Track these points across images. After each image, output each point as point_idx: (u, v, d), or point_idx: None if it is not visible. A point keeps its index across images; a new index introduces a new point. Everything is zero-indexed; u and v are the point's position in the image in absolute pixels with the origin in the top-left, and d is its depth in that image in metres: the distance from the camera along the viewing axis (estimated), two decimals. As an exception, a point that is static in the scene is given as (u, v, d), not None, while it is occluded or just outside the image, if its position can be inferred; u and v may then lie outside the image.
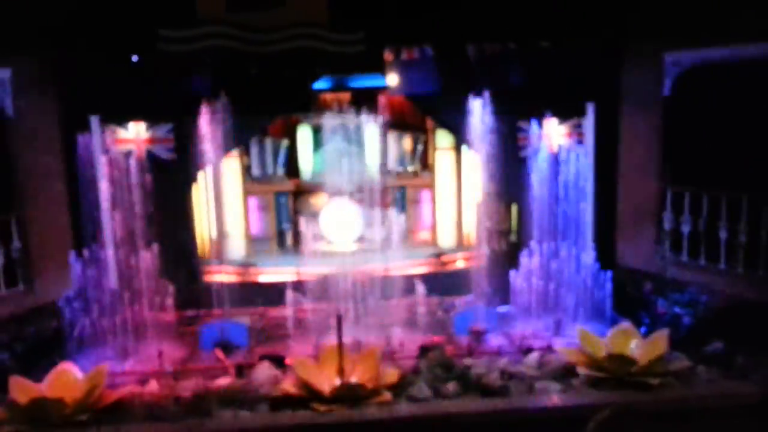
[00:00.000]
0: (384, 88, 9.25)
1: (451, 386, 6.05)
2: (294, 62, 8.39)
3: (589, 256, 8.08)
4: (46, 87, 8.29)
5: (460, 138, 9.09)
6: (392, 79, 9.07)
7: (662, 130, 8.75)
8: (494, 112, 7.94)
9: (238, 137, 8.39)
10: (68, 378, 6.06)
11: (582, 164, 8.24)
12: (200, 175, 9.27)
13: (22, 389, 5.77)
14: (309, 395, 5.86)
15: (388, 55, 8.87)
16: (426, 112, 9.84)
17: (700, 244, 8.28)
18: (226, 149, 8.31)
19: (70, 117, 8.23)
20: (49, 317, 7.73)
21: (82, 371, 6.19)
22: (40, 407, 5.57)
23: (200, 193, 9.49)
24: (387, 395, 5.88)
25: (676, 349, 6.48)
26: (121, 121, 8.28)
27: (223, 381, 6.33)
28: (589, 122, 8.60)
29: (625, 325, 6.79)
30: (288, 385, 6.01)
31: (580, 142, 8.58)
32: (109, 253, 7.77)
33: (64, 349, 7.22)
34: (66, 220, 8.43)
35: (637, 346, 6.34)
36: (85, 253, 7.57)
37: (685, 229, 8.43)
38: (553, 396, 5.94)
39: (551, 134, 8.69)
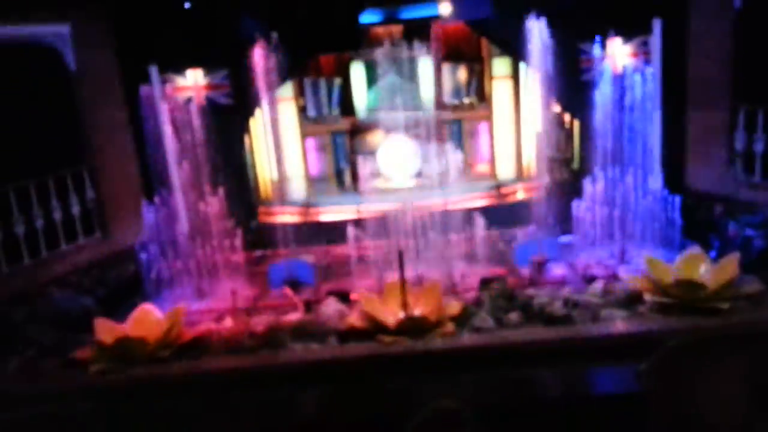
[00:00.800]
0: (436, 18, 8.99)
1: (513, 316, 6.09)
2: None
3: (656, 180, 7.80)
4: (106, 40, 8.47)
5: (518, 59, 8.79)
6: (444, 8, 8.79)
7: (733, 46, 8.20)
8: (553, 33, 7.61)
9: (283, 74, 8.35)
10: (149, 318, 6.42)
11: (649, 85, 7.86)
12: (258, 119, 9.43)
13: (106, 330, 6.16)
14: (374, 328, 6.03)
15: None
16: (483, 35, 9.52)
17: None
18: (275, 86, 8.30)
19: (131, 68, 8.40)
20: (126, 262, 8.17)
21: (161, 311, 6.55)
22: (124, 346, 5.95)
23: (259, 137, 9.66)
24: (450, 326, 5.98)
25: (747, 272, 6.27)
26: (179, 69, 8.40)
27: (293, 316, 6.59)
28: (655, 40, 8.12)
29: (695, 249, 6.60)
30: (354, 319, 6.20)
31: (646, 61, 8.14)
32: (178, 198, 8.03)
33: (143, 291, 7.63)
34: (135, 169, 8.76)
35: (707, 270, 6.18)
36: (156, 199, 7.87)
37: (758, 148, 8.00)
38: (619, 323, 5.89)
39: (615, 54, 8.28)
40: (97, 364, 5.93)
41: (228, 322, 6.50)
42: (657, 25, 8.10)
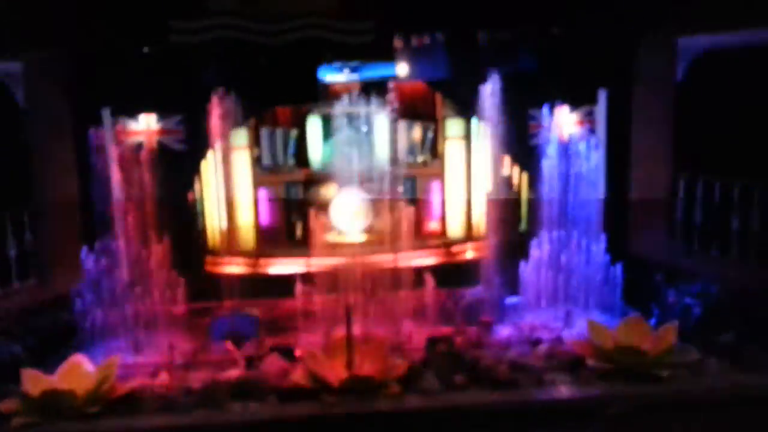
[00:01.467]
0: (394, 77, 9.19)
1: (459, 378, 6.05)
2: (303, 52, 8.35)
3: (599, 246, 8.02)
4: (58, 80, 8.34)
5: (471, 118, 9.05)
6: (402, 68, 9.01)
7: (675, 117, 8.63)
8: (505, 99, 7.88)
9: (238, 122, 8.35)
10: (80, 370, 6.11)
11: (593, 153, 8.15)
12: (210, 166, 9.34)
13: (34, 381, 5.83)
14: (318, 387, 5.89)
15: (397, 42, 8.80)
16: (440, 92, 9.78)
17: (712, 234, 8.19)
18: (229, 134, 8.28)
19: (82, 110, 8.28)
20: (61, 310, 7.80)
21: (94, 363, 6.25)
22: (51, 399, 5.64)
23: (210, 185, 9.54)
24: (395, 387, 5.89)
25: (686, 340, 6.43)
26: (132, 113, 8.31)
27: (234, 372, 6.38)
28: (601, 110, 8.50)
29: (635, 316, 6.75)
30: (297, 377, 6.04)
31: (591, 130, 8.48)
32: (120, 245, 7.80)
33: (76, 341, 7.31)
34: (78, 213, 8.50)
35: (647, 337, 6.30)
36: (97, 245, 7.62)
37: (697, 218, 8.33)
38: (562, 388, 5.92)
39: (562, 122, 8.59)
40: (20, 417, 5.59)
41: (163, 378, 6.24)
42: (602, 95, 8.50)
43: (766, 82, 7.54)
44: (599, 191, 8.22)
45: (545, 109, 8.39)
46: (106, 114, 8.01)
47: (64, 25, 7.93)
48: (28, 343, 7.19)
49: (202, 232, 9.76)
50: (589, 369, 6.10)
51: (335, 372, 6.02)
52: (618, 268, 7.84)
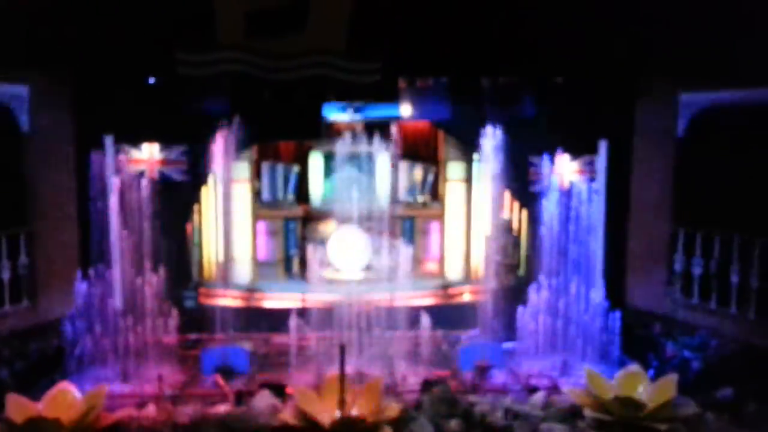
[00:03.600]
0: (397, 118, 9.29)
1: (453, 424, 5.92)
2: (308, 89, 8.44)
3: (598, 294, 7.97)
4: (63, 105, 8.38)
5: (473, 156, 9.10)
6: (405, 108, 9.11)
7: (675, 171, 8.69)
8: (506, 145, 7.95)
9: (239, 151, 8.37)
10: (66, 398, 5.96)
11: (593, 202, 8.18)
12: (210, 197, 9.34)
13: (19, 407, 5.67)
14: (308, 427, 5.74)
15: (401, 82, 8.92)
16: (442, 130, 9.85)
17: (711, 287, 8.16)
18: (231, 166, 8.30)
19: (85, 136, 8.29)
20: (51, 335, 7.71)
21: (81, 391, 6.11)
22: (36, 427, 5.48)
23: (209, 216, 9.53)
24: (388, 431, 5.75)
25: (684, 393, 6.32)
26: (135, 141, 8.33)
27: (222, 408, 6.24)
28: (601, 160, 8.55)
29: (634, 367, 6.63)
30: (287, 415, 5.89)
31: (591, 179, 8.52)
32: (115, 272, 7.73)
33: (64, 368, 7.17)
34: (74, 238, 8.44)
35: (646, 389, 6.19)
36: (91, 272, 7.55)
37: (696, 270, 8.32)
38: (558, 438, 5.79)
39: (563, 170, 8.65)
40: (1, 445, 5.43)
41: (151, 410, 6.10)
42: (603, 145, 8.56)
43: (766, 138, 7.61)
44: (598, 240, 8.22)
45: (546, 157, 8.46)
46: (108, 141, 8.01)
47: (70, 51, 8.01)
48: (16, 367, 7.07)
49: (198, 263, 9.71)
50: (587, 419, 5.98)
51: (327, 412, 5.88)
52: (616, 318, 7.78)
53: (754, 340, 7.29)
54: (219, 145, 8.06)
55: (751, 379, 6.42)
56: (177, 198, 8.55)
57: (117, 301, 7.65)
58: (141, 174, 8.12)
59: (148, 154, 8.40)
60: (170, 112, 8.33)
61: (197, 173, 8.55)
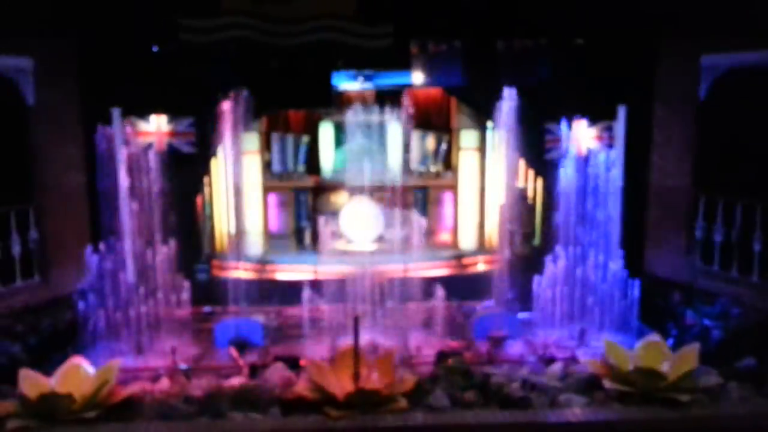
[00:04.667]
0: (409, 86, 9.07)
1: (469, 395, 5.83)
2: (317, 55, 8.23)
3: (616, 263, 7.81)
4: (68, 78, 8.25)
5: (486, 123, 8.87)
6: (417, 76, 8.88)
7: (697, 136, 8.44)
8: (521, 112, 7.73)
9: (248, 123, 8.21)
10: (79, 373, 5.92)
11: (611, 169, 7.97)
12: (220, 170, 9.23)
13: (31, 383, 5.64)
14: (322, 399, 5.68)
15: (413, 48, 8.68)
16: (455, 98, 9.61)
17: (733, 255, 7.97)
18: (240, 137, 8.15)
19: (92, 108, 8.17)
20: (63, 310, 7.68)
21: (94, 366, 6.09)
22: (48, 402, 5.45)
23: (219, 188, 9.43)
24: (403, 402, 5.67)
25: (705, 363, 6.19)
26: (143, 113, 8.21)
27: (236, 381, 6.19)
28: (620, 126, 8.31)
29: (654, 337, 6.50)
30: (301, 388, 5.83)
31: (610, 145, 8.30)
32: (126, 246, 7.67)
33: (77, 342, 7.17)
34: (84, 212, 8.38)
35: (666, 360, 6.06)
36: (102, 245, 7.49)
37: (717, 238, 8.12)
38: (577, 410, 5.69)
39: (580, 137, 8.42)
40: (15, 420, 5.39)
41: (164, 383, 6.06)
42: (622, 111, 8.31)
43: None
44: (617, 208, 8.03)
45: (562, 123, 8.22)
46: (116, 113, 7.88)
47: (75, 22, 7.84)
48: (29, 342, 7.06)
49: (210, 235, 9.65)
50: (606, 391, 5.86)
51: (341, 384, 5.81)
52: (635, 286, 7.63)
53: (776, 308, 7.13)
54: (228, 116, 7.91)
55: (775, 348, 6.27)
56: (187, 170, 8.44)
57: (129, 275, 7.61)
58: (149, 146, 8.00)
59: (156, 126, 8.27)
60: (178, 83, 8.18)
61: (206, 145, 8.42)
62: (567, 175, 7.96)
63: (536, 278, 7.94)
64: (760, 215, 7.65)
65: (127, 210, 7.72)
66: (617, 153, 8.15)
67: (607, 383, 5.89)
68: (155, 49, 8.25)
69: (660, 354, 6.11)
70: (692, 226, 8.41)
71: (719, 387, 5.88)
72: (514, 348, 7.31)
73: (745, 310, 7.28)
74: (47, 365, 6.23)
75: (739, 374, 6.12)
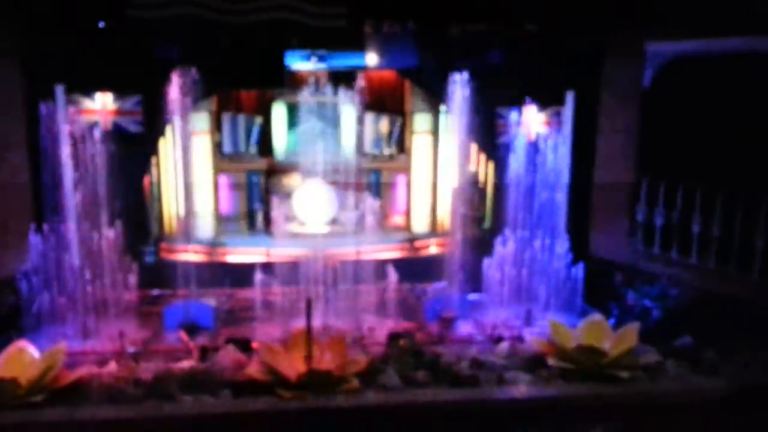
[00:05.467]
0: (363, 67, 9.04)
1: (420, 374, 5.95)
2: (269, 34, 8.11)
3: (562, 245, 8.04)
4: (10, 53, 7.92)
5: (439, 106, 8.97)
6: (371, 57, 8.86)
7: (641, 122, 8.71)
8: (473, 95, 7.82)
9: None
10: (24, 356, 5.81)
11: (559, 153, 8.16)
12: (168, 150, 9.03)
13: (-27, 368, 5.51)
14: (274, 381, 5.71)
15: (367, 29, 8.65)
16: (408, 80, 9.64)
17: (673, 238, 8.30)
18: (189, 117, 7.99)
19: (34, 85, 7.88)
20: (5, 293, 7.44)
21: (39, 350, 5.94)
22: (-8, 387, 5.33)
23: (168, 169, 9.23)
24: (355, 383, 5.76)
25: (645, 342, 6.46)
26: (88, 90, 7.95)
27: (186, 364, 6.14)
28: (567, 111, 8.51)
29: (596, 316, 6.76)
30: (253, 370, 5.85)
31: (559, 131, 8.49)
32: (71, 227, 7.46)
33: (20, 326, 6.97)
34: (27, 192, 8.10)
35: (607, 338, 6.31)
36: (46, 227, 7.27)
37: (658, 221, 8.43)
38: (523, 387, 5.88)
39: (530, 121, 8.59)
40: (-44, 406, 5.26)
41: (112, 367, 5.97)
42: (570, 97, 8.51)
43: (731, 89, 7.64)
44: (563, 192, 8.24)
45: (513, 109, 8.36)
46: (59, 91, 7.61)
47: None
48: (-30, 327, 6.83)
49: (158, 217, 9.46)
50: (550, 368, 6.08)
51: (293, 366, 5.85)
52: (579, 268, 7.88)
53: (713, 289, 7.46)
54: (176, 95, 7.73)
55: (710, 327, 6.58)
56: (133, 150, 8.24)
57: (74, 257, 7.42)
58: (94, 125, 7.76)
59: (102, 104, 8.03)
60: (124, 59, 7.94)
61: (154, 124, 8.22)
62: (516, 159, 8.11)
63: (486, 260, 8.10)
64: (699, 199, 7.96)
65: (71, 190, 7.49)
66: (564, 137, 8.34)
67: (551, 361, 6.12)
68: (101, 24, 7.96)
69: (602, 333, 6.37)
70: (635, 209, 8.70)
71: (658, 364, 6.18)
72: (464, 328, 7.45)
73: (684, 291, 7.61)
74: (-11, 350, 6.02)
75: (677, 352, 6.44)
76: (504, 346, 6.62)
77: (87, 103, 7.94)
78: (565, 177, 8.21)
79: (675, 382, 5.99)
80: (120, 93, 8.04)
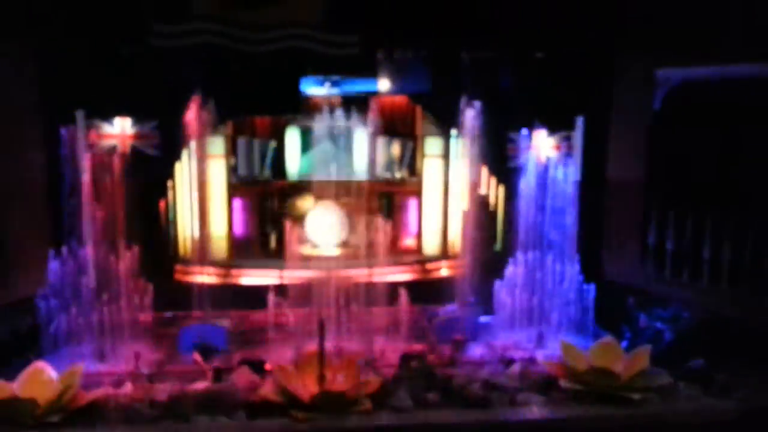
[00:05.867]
0: (375, 93, 9.20)
1: (432, 396, 5.98)
2: (285, 62, 8.31)
3: (573, 268, 8.07)
4: (31, 78, 8.14)
5: (449, 130, 9.10)
6: (383, 84, 9.03)
7: (650, 146, 8.78)
8: (484, 120, 7.93)
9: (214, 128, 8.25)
10: (42, 377, 5.90)
11: (569, 177, 8.23)
12: (184, 174, 9.20)
13: (-7, 388, 5.61)
14: (288, 402, 5.76)
15: (379, 55, 8.83)
16: (419, 105, 9.79)
17: (684, 261, 8.31)
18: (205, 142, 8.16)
19: (55, 110, 8.07)
20: (25, 314, 7.56)
21: (57, 371, 6.04)
22: (11, 407, 5.42)
23: (183, 192, 9.39)
24: (367, 404, 5.80)
25: (657, 364, 6.46)
26: (107, 116, 8.13)
27: (201, 385, 6.21)
28: (578, 135, 8.59)
29: (608, 339, 6.77)
30: (267, 391, 5.91)
31: (568, 154, 8.56)
32: (88, 249, 7.59)
33: (39, 347, 7.08)
34: (46, 216, 8.27)
35: (620, 360, 6.32)
36: (64, 249, 7.41)
37: (669, 245, 8.46)
38: (535, 409, 5.89)
39: (540, 145, 8.68)
40: (-24, 426, 5.36)
41: (128, 388, 6.05)
42: (580, 121, 8.60)
43: (739, 114, 7.71)
44: (574, 214, 8.29)
45: (523, 133, 8.46)
46: (79, 115, 7.80)
47: (38, 21, 7.76)
48: (-11, 348, 6.94)
49: (174, 240, 9.59)
50: (562, 390, 6.09)
51: (306, 387, 5.91)
52: (591, 290, 7.90)
53: (724, 311, 7.46)
54: (193, 120, 7.91)
55: (722, 350, 6.57)
56: (150, 173, 8.39)
57: (90, 279, 7.53)
58: (113, 149, 7.94)
59: (120, 128, 8.21)
60: (143, 85, 8.14)
61: (171, 148, 8.39)
62: (527, 182, 8.19)
63: (497, 283, 8.14)
64: (709, 223, 7.99)
65: (89, 213, 7.64)
66: (575, 162, 8.41)
67: (563, 383, 6.13)
68: (123, 52, 8.19)
69: (614, 355, 6.38)
70: (646, 233, 8.73)
71: (670, 386, 6.17)
72: (476, 350, 7.47)
73: (695, 314, 7.61)
74: (8, 371, 6.13)
75: (688, 374, 6.43)
76: (516, 368, 6.63)
77: (106, 128, 8.11)
78: (575, 200, 8.27)
79: (687, 404, 5.98)
80: (138, 118, 8.22)
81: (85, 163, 7.63)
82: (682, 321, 7.43)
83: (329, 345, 6.49)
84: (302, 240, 9.37)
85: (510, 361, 6.89)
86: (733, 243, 7.77)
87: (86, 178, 7.60)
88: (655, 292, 8.18)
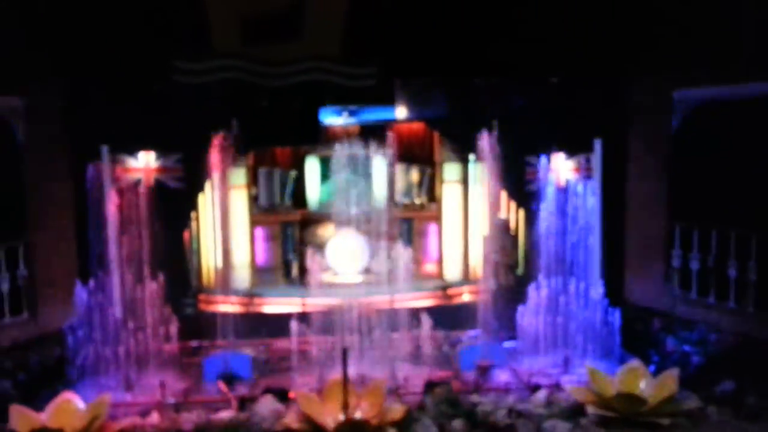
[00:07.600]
0: (393, 121, 9.32)
1: (457, 424, 5.94)
2: (305, 95, 8.46)
3: (597, 291, 8.00)
4: (58, 116, 8.38)
5: (468, 156, 9.16)
6: (401, 111, 9.14)
7: (670, 167, 8.74)
8: (501, 145, 7.98)
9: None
10: (70, 408, 5.98)
11: (590, 199, 8.22)
12: (207, 204, 9.35)
13: (22, 418, 5.69)
14: (312, 431, 5.76)
15: (396, 84, 8.96)
16: (437, 131, 9.89)
17: (709, 282, 8.21)
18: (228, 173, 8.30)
19: (81, 145, 8.29)
20: (52, 345, 7.70)
21: (85, 401, 6.12)
22: (40, 438, 5.49)
23: (206, 222, 9.52)
24: (392, 432, 5.77)
25: (685, 388, 6.36)
26: (131, 150, 8.33)
27: (226, 414, 6.25)
28: (596, 158, 8.59)
29: (635, 363, 6.68)
30: (291, 420, 5.92)
31: (588, 177, 8.55)
32: (114, 281, 7.72)
33: (66, 378, 7.17)
34: (73, 248, 8.44)
35: (647, 385, 6.23)
36: (91, 281, 7.54)
37: (694, 266, 8.36)
38: (562, 436, 5.82)
39: (559, 169, 8.69)
40: (6, 457, 5.43)
41: (154, 418, 6.10)
42: (598, 144, 8.60)
43: (759, 134, 7.66)
44: (596, 238, 8.25)
45: (542, 156, 8.49)
46: (104, 150, 8.00)
47: (65, 61, 8.01)
48: (19, 378, 7.06)
49: (197, 270, 9.71)
50: (590, 416, 6.01)
51: (330, 415, 5.90)
52: (616, 314, 7.82)
53: (753, 333, 7.33)
54: (215, 153, 8.07)
55: (751, 372, 6.45)
56: (174, 205, 8.55)
57: (117, 310, 7.65)
58: (138, 182, 8.11)
59: (145, 162, 8.39)
60: (166, 120, 8.33)
61: (194, 180, 8.55)
62: (547, 206, 8.19)
63: (520, 307, 8.10)
64: (734, 242, 7.90)
65: (115, 245, 7.78)
66: (594, 184, 8.40)
67: (590, 409, 6.05)
68: (148, 88, 8.41)
69: (641, 379, 6.30)
70: (669, 254, 8.65)
71: (699, 411, 6.06)
72: (500, 376, 7.41)
73: (723, 335, 7.49)
74: (37, 401, 6.24)
75: (718, 398, 6.32)
76: (542, 394, 6.58)
77: (131, 162, 8.30)
78: (596, 223, 8.24)
79: (717, 429, 5.87)
80: (162, 151, 8.40)
81: (111, 196, 7.82)
82: (709, 344, 7.31)
83: (352, 372, 6.48)
84: (324, 268, 9.42)
85: (536, 387, 6.83)
86: (759, 262, 7.65)
87: (111, 210, 7.77)
88: (681, 315, 8.07)
